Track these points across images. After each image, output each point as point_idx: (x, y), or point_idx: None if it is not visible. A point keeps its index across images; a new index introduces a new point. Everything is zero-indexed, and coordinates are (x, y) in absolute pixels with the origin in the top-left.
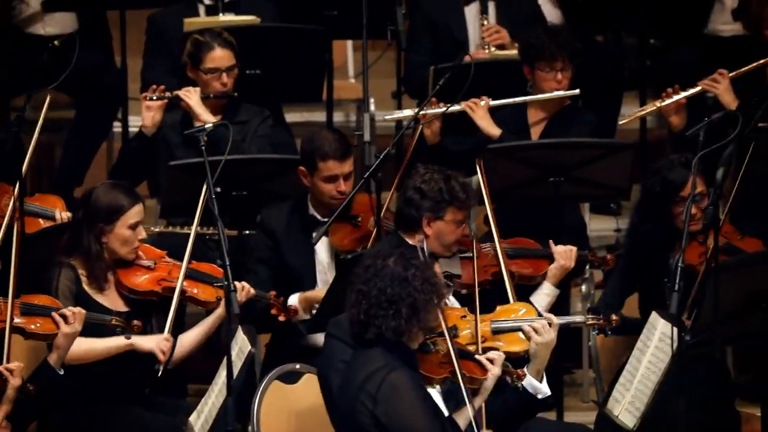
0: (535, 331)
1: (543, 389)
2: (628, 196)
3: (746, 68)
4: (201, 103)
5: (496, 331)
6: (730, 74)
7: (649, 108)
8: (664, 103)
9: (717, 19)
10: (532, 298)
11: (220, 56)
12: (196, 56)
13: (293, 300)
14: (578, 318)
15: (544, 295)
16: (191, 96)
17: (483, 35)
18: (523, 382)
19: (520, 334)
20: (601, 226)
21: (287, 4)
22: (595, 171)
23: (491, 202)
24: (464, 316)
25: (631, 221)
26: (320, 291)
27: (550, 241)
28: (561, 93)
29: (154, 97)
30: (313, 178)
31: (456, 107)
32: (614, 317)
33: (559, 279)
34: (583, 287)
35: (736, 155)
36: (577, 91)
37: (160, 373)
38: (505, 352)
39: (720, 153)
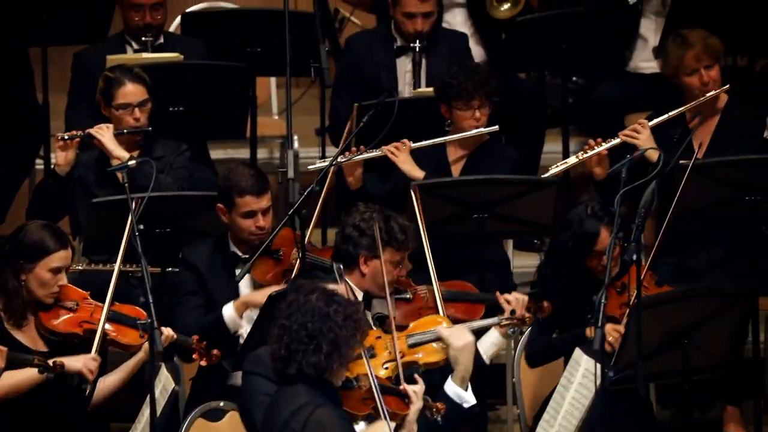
0: (449, 336)
1: (468, 398)
2: (551, 233)
3: (666, 116)
4: (114, 140)
5: (413, 345)
6: (650, 123)
7: (572, 161)
8: (586, 155)
9: (639, 57)
10: (479, 344)
11: (131, 91)
12: (107, 93)
13: (228, 309)
14: (493, 320)
15: (491, 344)
16: (104, 133)
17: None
18: (448, 392)
19: (435, 344)
20: (524, 263)
21: (212, 41)
22: (519, 207)
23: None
24: (379, 337)
25: (541, 274)
26: (259, 294)
27: (497, 291)
28: (480, 130)
29: (66, 137)
30: (231, 214)
31: (377, 152)
32: (545, 304)
33: (511, 327)
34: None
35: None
36: (496, 127)
37: (87, 392)
38: (424, 364)
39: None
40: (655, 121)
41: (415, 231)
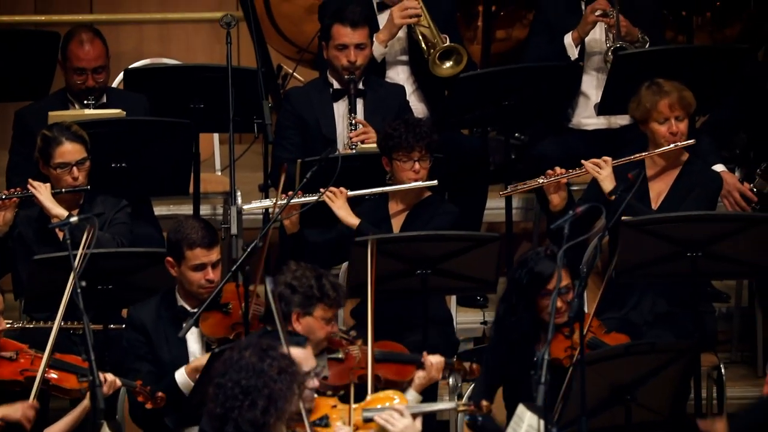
0: (388, 421)
1: None
2: (494, 289)
3: (629, 158)
4: (51, 199)
5: (367, 419)
6: (614, 162)
7: (531, 183)
8: (546, 181)
9: (580, 113)
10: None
11: (69, 150)
12: (45, 152)
13: (180, 375)
14: (449, 404)
15: (409, 401)
16: (41, 192)
17: (350, 136)
18: None
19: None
20: (467, 319)
21: (155, 97)
22: (462, 263)
23: (356, 295)
24: (335, 406)
25: (497, 312)
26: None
27: (425, 352)
28: (419, 184)
29: (3, 196)
30: (180, 267)
31: (314, 198)
32: (484, 403)
33: (423, 387)
34: (451, 380)
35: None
36: (435, 182)
37: None
38: None
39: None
40: (618, 161)
41: (361, 287)
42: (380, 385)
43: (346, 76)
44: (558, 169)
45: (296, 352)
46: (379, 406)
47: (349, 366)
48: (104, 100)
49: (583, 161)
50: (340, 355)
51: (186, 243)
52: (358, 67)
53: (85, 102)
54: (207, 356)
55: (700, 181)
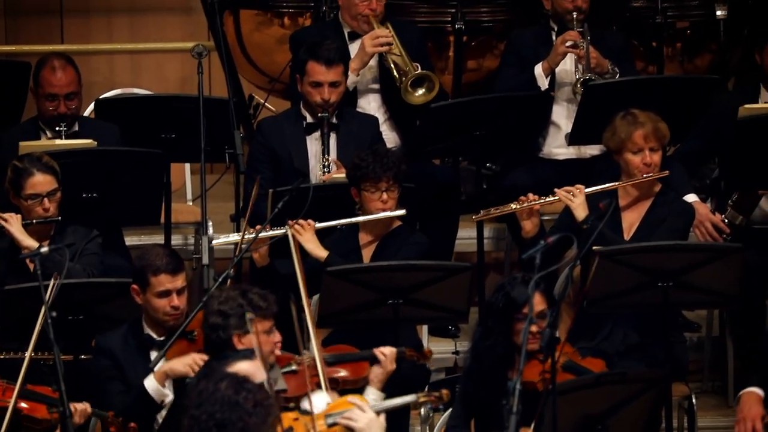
0: (350, 419)
1: None
2: (466, 318)
3: (602, 187)
4: (22, 230)
5: (332, 424)
6: (587, 190)
7: (504, 208)
8: (519, 207)
9: (551, 143)
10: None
11: (40, 182)
12: (16, 183)
13: (149, 381)
14: (410, 398)
15: (371, 400)
16: (11, 223)
17: (323, 179)
18: None
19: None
20: (439, 349)
21: (126, 127)
22: (433, 293)
23: (328, 325)
24: (296, 419)
25: (473, 336)
26: (179, 362)
27: (375, 349)
28: (387, 214)
29: None
30: (146, 294)
31: (282, 231)
32: (444, 392)
33: (383, 383)
34: (422, 410)
35: (573, 278)
36: (403, 211)
37: None
38: None
39: (558, 274)
40: (592, 189)
41: (333, 317)
42: (338, 387)
43: (319, 113)
44: (531, 196)
45: (245, 365)
46: (340, 410)
47: (304, 376)
48: (76, 128)
49: (556, 189)
50: (294, 367)
51: (150, 270)
52: (332, 104)
53: (57, 129)
54: (178, 360)
55: (673, 212)
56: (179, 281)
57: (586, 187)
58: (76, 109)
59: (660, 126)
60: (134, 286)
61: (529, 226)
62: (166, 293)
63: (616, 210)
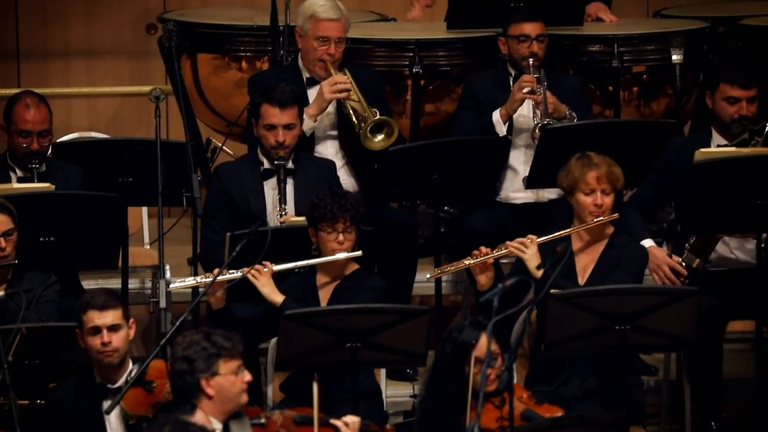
0: None
1: None
2: (424, 362)
3: (553, 235)
4: None
5: None
6: (538, 240)
7: (458, 264)
8: (472, 261)
9: (509, 187)
10: None
11: None
12: None
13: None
14: None
15: None
16: None
17: (281, 222)
18: None
19: None
20: (397, 392)
21: (84, 171)
22: (391, 336)
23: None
24: None
25: (424, 383)
26: None
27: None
28: (344, 255)
29: None
30: (84, 336)
31: (238, 274)
32: (388, 427)
33: None
34: None
35: (530, 321)
36: (360, 252)
37: None
38: None
39: (514, 318)
40: (543, 238)
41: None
42: None
43: (274, 157)
44: (483, 249)
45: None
46: None
47: (272, 430)
48: (44, 168)
49: (507, 242)
50: (262, 420)
51: (81, 308)
52: (287, 146)
53: (30, 166)
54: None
55: (626, 255)
56: (109, 318)
57: (541, 233)
58: (47, 147)
59: (614, 169)
60: (77, 331)
61: (483, 279)
62: (96, 330)
63: (569, 255)
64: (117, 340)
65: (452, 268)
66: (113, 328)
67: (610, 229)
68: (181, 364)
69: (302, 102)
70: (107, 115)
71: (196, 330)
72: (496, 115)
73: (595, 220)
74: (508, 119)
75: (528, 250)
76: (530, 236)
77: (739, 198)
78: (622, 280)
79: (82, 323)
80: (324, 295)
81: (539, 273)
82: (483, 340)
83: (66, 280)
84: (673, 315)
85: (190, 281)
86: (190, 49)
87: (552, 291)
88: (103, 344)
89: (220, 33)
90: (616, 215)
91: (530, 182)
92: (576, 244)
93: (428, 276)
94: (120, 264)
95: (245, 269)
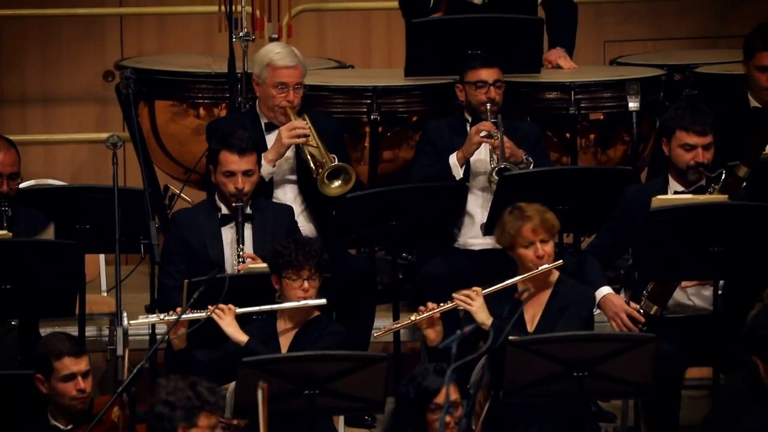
0: None
1: None
2: (382, 409)
3: (499, 286)
4: None
5: None
6: (484, 291)
7: (404, 321)
8: (419, 317)
9: (467, 233)
10: None
11: None
12: None
13: None
14: None
15: None
16: None
17: (239, 269)
18: None
19: None
20: None
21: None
22: (350, 383)
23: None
24: None
25: (385, 427)
26: None
27: None
28: (308, 302)
29: None
30: (51, 382)
31: (203, 314)
32: None
33: None
34: None
35: (489, 367)
36: (324, 300)
37: None
38: None
39: (473, 365)
40: (489, 289)
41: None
42: None
43: (233, 203)
44: (430, 305)
45: None
46: None
47: None
48: (10, 213)
49: (454, 294)
50: None
51: (53, 355)
52: (246, 193)
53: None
54: None
55: (573, 301)
56: (83, 364)
57: (490, 283)
58: (16, 188)
59: (547, 217)
60: (38, 376)
61: (432, 335)
62: (72, 377)
63: (515, 306)
64: (88, 385)
65: (398, 325)
66: (86, 375)
67: (555, 276)
68: (162, 408)
69: (261, 148)
70: (64, 162)
71: (182, 376)
72: (453, 159)
73: (540, 267)
74: (465, 163)
75: (474, 302)
76: (475, 288)
77: (695, 245)
78: (570, 325)
79: (54, 369)
80: (284, 342)
81: (488, 323)
82: (449, 388)
83: (23, 326)
84: (631, 362)
85: (154, 318)
86: (148, 96)
87: (510, 338)
88: (79, 391)
89: (178, 80)
90: (560, 262)
91: (488, 229)
92: (525, 293)
93: (375, 334)
94: (77, 311)
95: (210, 307)
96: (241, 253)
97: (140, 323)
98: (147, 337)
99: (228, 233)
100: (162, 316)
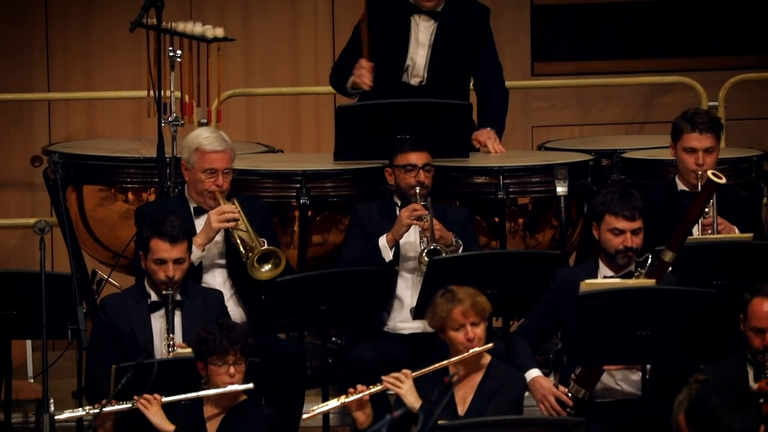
0: None
1: None
2: None
3: (430, 368)
4: None
5: None
6: (414, 374)
7: (333, 403)
8: (348, 399)
9: (396, 317)
10: None
11: None
12: None
13: None
14: None
15: None
16: None
17: (169, 356)
18: None
19: None
20: None
21: None
22: None
23: None
24: None
25: None
26: None
27: None
28: (235, 387)
29: None
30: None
31: (128, 405)
32: None
33: None
34: None
35: None
36: (251, 385)
37: None
38: None
39: None
40: (418, 372)
41: None
42: None
43: (163, 290)
44: (359, 387)
45: None
46: None
47: None
48: None
49: (383, 377)
50: None
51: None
52: (176, 281)
53: None
54: None
55: (503, 384)
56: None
57: (419, 367)
58: None
59: (478, 300)
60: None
61: (362, 417)
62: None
63: (445, 389)
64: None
65: (327, 407)
66: (179, 261)
67: (487, 359)
68: None
69: (191, 235)
70: None
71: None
72: (383, 240)
73: (470, 350)
74: (395, 245)
75: (403, 385)
76: (405, 371)
77: (623, 329)
78: (500, 409)
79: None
80: (211, 427)
81: (417, 406)
82: None
83: None
84: None
85: (79, 412)
86: (76, 181)
87: (439, 422)
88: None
89: (107, 164)
90: (490, 345)
91: (417, 313)
92: (454, 375)
93: (304, 416)
94: (3, 397)
95: (135, 397)
96: (171, 342)
97: (66, 418)
98: (74, 424)
99: (157, 321)
100: (87, 408)
